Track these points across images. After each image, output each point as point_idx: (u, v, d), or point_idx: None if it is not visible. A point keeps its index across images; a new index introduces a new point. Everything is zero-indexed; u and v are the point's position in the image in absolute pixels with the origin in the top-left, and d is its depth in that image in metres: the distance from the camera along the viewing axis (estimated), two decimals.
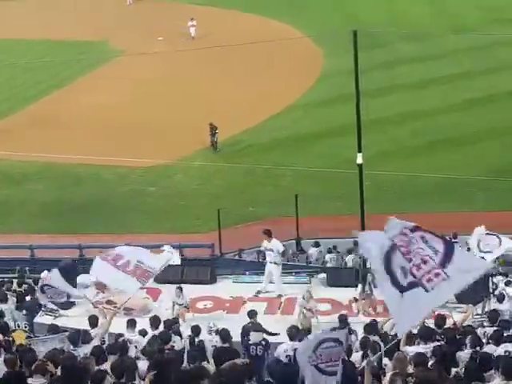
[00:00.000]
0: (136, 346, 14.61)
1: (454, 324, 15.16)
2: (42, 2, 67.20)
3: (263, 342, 15.47)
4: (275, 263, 22.34)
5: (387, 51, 49.70)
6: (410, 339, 12.79)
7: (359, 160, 24.70)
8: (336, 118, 39.52)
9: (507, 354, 11.97)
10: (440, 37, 51.54)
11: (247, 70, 49.41)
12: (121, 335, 15.62)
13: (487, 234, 21.15)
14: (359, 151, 24.70)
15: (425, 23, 55.11)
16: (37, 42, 57.69)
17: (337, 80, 44.03)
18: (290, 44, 51.86)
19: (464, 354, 12.09)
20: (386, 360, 12.32)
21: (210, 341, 15.18)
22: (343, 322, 16.53)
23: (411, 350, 12.37)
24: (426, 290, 9.30)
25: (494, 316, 15.18)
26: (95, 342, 14.28)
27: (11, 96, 48.32)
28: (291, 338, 13.80)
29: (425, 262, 9.52)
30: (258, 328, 15.91)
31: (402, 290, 9.38)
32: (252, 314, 16.33)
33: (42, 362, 10.64)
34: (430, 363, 11.09)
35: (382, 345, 13.18)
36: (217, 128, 38.42)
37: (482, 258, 21.83)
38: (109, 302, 21.36)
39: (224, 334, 14.70)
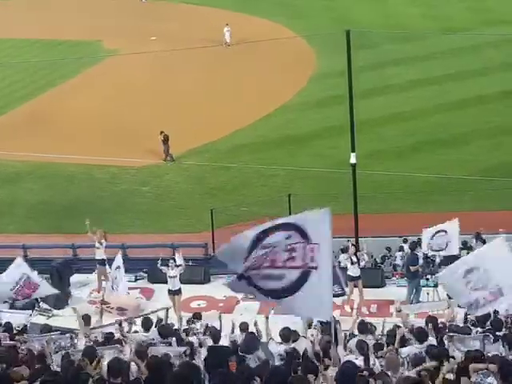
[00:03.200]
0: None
1: (442, 323, 15.27)
2: (34, 1, 67.08)
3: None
4: None
5: (377, 52, 49.80)
6: (405, 340, 12.87)
7: (353, 160, 24.76)
8: (328, 118, 39.66)
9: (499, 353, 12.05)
10: (430, 38, 51.70)
11: (240, 69, 49.44)
12: (112, 334, 15.62)
13: (438, 232, 21.88)
14: (352, 151, 24.76)
15: (415, 24, 55.23)
16: (29, 42, 57.56)
17: (329, 80, 44.14)
18: (283, 44, 51.95)
19: (458, 353, 12.16)
20: (373, 359, 12.41)
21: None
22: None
23: (405, 350, 12.45)
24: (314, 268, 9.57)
25: (482, 319, 15.22)
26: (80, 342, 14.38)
27: (3, 96, 48.18)
28: (285, 340, 13.80)
29: (293, 250, 9.73)
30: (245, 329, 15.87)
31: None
32: (244, 326, 16.24)
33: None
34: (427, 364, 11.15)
35: (369, 344, 13.25)
36: (168, 137, 37.70)
37: (433, 255, 22.78)
38: (103, 302, 21.42)
39: (214, 334, 14.77)
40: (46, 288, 17.17)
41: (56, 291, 17.37)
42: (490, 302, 13.81)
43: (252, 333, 14.58)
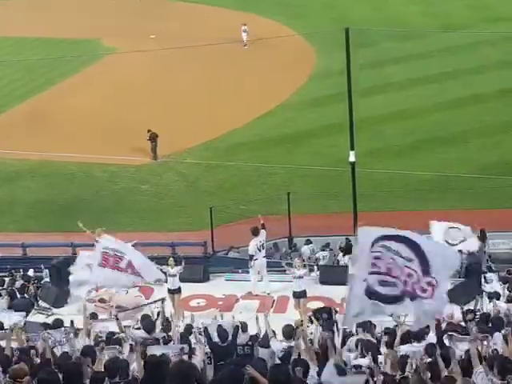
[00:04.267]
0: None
1: (438, 321, 15.29)
2: (34, 0, 67.06)
3: (250, 343, 15.55)
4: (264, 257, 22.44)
5: (377, 50, 49.76)
6: (405, 339, 12.88)
7: (352, 158, 24.77)
8: (328, 116, 39.65)
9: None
10: (429, 36, 51.69)
11: (239, 68, 49.42)
12: (113, 333, 15.65)
13: (451, 228, 21.63)
14: (352, 149, 24.77)
15: (415, 22, 55.18)
16: (29, 40, 57.52)
17: (329, 79, 44.11)
18: (282, 42, 51.94)
19: (458, 352, 12.16)
20: (381, 358, 12.42)
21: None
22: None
23: (403, 349, 12.46)
24: (424, 298, 9.60)
25: (484, 318, 15.25)
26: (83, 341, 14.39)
27: (3, 95, 48.16)
28: (287, 337, 13.82)
29: (409, 275, 9.74)
30: (245, 329, 15.92)
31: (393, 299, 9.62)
32: (244, 327, 16.26)
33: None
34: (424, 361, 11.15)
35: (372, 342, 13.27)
36: (157, 136, 37.65)
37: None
38: (101, 301, 21.41)
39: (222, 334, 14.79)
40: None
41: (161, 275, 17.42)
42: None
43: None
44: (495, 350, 12.02)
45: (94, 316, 17.38)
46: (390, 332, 14.57)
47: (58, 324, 16.00)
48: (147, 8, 63.55)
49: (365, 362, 12.13)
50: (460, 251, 22.42)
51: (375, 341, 14.11)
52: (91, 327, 15.86)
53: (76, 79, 50.11)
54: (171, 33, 54.58)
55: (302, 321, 17.37)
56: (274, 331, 14.75)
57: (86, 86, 47.83)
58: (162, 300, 18.53)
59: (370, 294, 9.90)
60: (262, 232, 22.33)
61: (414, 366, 10.97)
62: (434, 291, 9.76)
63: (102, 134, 40.04)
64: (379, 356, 12.50)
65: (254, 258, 22.26)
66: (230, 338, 14.02)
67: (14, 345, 13.67)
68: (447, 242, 21.91)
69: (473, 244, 21.76)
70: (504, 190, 31.50)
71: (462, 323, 15.20)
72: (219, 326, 14.64)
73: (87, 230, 23.51)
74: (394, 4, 60.60)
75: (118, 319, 16.33)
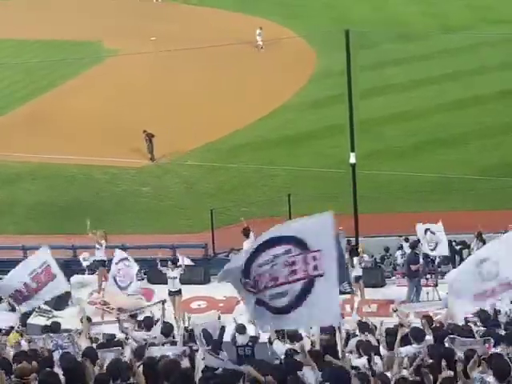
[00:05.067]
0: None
1: (440, 322, 15.27)
2: (34, 1, 67.06)
3: (250, 343, 15.56)
4: None
5: (377, 52, 49.75)
6: (405, 340, 12.86)
7: (352, 159, 24.78)
8: (328, 117, 39.63)
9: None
10: (430, 37, 51.68)
11: (240, 70, 49.42)
12: (113, 335, 15.66)
13: (427, 230, 22.03)
14: (352, 151, 24.76)
15: (415, 22, 55.23)
16: (29, 42, 57.55)
17: (329, 80, 44.12)
18: (283, 44, 52.01)
19: (458, 353, 12.14)
20: (377, 359, 12.41)
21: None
22: None
23: (403, 350, 12.45)
24: (320, 276, 9.43)
25: (484, 316, 15.26)
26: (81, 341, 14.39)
27: (3, 96, 48.19)
28: (291, 339, 13.84)
29: (293, 264, 9.52)
30: (243, 330, 15.93)
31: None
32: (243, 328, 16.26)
33: None
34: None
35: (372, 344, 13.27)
36: (153, 136, 37.54)
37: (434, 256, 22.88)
38: (103, 303, 21.44)
39: (206, 335, 14.86)
40: (60, 280, 16.94)
41: (67, 288, 17.18)
42: (499, 294, 13.80)
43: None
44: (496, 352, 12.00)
45: (88, 319, 17.21)
46: (391, 333, 14.56)
47: (56, 327, 16.00)
48: (147, 10, 63.58)
49: (361, 362, 12.14)
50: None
51: (376, 342, 14.09)
52: (90, 330, 15.85)
53: (77, 81, 50.11)
54: (171, 34, 54.57)
55: None
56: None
57: (87, 88, 47.84)
58: (163, 302, 18.52)
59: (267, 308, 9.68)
60: (251, 235, 22.37)
61: (414, 367, 10.95)
62: (323, 260, 9.46)
63: (102, 136, 40.06)
64: (376, 356, 12.49)
65: None
66: (216, 338, 14.10)
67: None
68: (428, 246, 22.46)
69: (443, 249, 22.13)
70: (505, 192, 31.49)
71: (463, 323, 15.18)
72: (204, 329, 14.75)
73: (89, 232, 23.55)
74: (394, 4, 60.63)
75: (119, 321, 16.33)
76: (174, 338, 15.28)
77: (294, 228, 9.73)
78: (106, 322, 17.41)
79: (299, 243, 9.53)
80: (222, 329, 14.79)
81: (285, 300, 9.73)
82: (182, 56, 49.28)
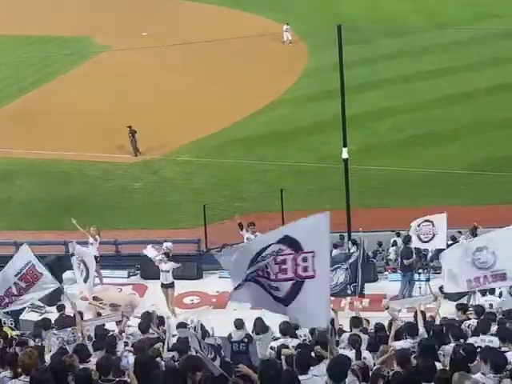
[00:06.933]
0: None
1: (431, 317, 15.32)
2: None
3: (245, 340, 15.60)
4: None
5: (369, 47, 49.80)
6: (399, 334, 12.91)
7: (345, 154, 24.82)
8: (321, 112, 39.69)
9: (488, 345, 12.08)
10: (421, 32, 51.75)
11: (231, 65, 49.39)
12: (107, 330, 15.62)
13: (424, 222, 21.78)
14: (344, 146, 24.80)
15: (406, 18, 55.29)
16: (20, 39, 57.37)
17: (321, 75, 44.17)
18: (275, 39, 52.02)
19: (448, 347, 12.20)
20: (366, 353, 12.44)
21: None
22: None
23: (398, 344, 12.50)
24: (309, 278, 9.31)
25: (479, 310, 15.33)
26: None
27: None
28: (284, 334, 13.86)
29: (283, 262, 9.39)
30: (240, 327, 15.97)
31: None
32: (239, 323, 16.28)
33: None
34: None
35: (363, 338, 13.30)
36: (136, 132, 37.71)
37: (425, 248, 22.73)
38: (95, 299, 21.41)
39: (203, 332, 14.88)
40: (48, 279, 16.90)
41: (56, 285, 17.09)
42: (490, 283, 13.87)
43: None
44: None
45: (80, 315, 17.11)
46: (380, 327, 14.61)
47: (46, 324, 16.01)
48: (139, 5, 63.42)
49: (352, 356, 12.17)
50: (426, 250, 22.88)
51: (367, 336, 14.11)
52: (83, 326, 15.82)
53: (67, 77, 50.03)
54: (163, 30, 54.55)
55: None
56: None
57: (78, 84, 47.75)
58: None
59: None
60: (244, 230, 22.43)
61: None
62: (315, 262, 9.24)
63: (93, 132, 39.98)
64: (366, 351, 12.52)
65: None
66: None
67: None
68: (419, 239, 22.14)
69: (440, 241, 21.89)
70: (496, 186, 31.60)
71: (457, 318, 15.24)
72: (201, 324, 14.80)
73: (80, 227, 23.53)
74: (386, 0, 60.62)
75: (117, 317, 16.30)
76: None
77: (289, 227, 9.58)
78: (98, 319, 17.29)
79: (291, 242, 9.39)
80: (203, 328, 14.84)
81: (277, 294, 9.70)
82: (173, 52, 49.25)
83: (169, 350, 13.18)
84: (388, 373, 10.29)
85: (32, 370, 9.74)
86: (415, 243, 22.65)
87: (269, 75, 47.12)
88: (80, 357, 11.34)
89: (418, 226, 22.22)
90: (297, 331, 14.42)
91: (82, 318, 15.86)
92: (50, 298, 21.84)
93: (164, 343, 13.80)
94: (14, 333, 15.47)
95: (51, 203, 34.16)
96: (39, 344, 14.51)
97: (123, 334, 15.34)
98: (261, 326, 15.64)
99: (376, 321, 15.51)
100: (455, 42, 49.52)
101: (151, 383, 9.77)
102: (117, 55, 50.35)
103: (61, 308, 17.96)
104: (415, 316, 14.14)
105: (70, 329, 15.09)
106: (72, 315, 16.08)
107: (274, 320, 14.03)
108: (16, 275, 15.98)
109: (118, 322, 16.51)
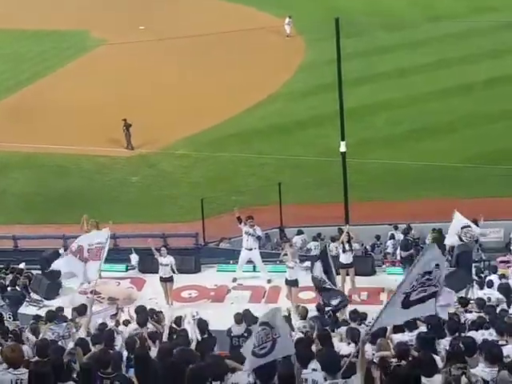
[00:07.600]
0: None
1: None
2: None
3: (245, 334, 15.63)
4: (255, 248, 22.47)
5: (365, 40, 49.66)
6: (398, 327, 12.94)
7: (342, 148, 24.81)
8: (318, 106, 39.68)
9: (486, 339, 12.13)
10: (418, 25, 51.68)
11: (229, 59, 49.29)
12: (105, 325, 15.65)
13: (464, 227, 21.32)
14: (342, 139, 24.80)
15: (403, 12, 55.19)
16: (16, 32, 57.18)
17: (318, 69, 44.10)
18: (271, 33, 51.94)
19: (445, 341, 12.24)
20: (367, 346, 12.46)
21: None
22: (320, 311, 16.91)
23: (397, 337, 12.54)
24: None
25: (481, 303, 15.39)
26: (82, 333, 14.39)
27: None
28: (303, 317, 14.03)
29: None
30: (240, 321, 16.00)
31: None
32: (238, 318, 16.31)
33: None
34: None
35: (362, 331, 13.33)
36: (130, 125, 37.56)
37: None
38: (93, 292, 21.38)
39: (202, 326, 14.91)
40: (97, 266, 16.62)
41: (95, 278, 16.86)
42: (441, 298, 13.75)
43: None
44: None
45: (82, 309, 17.13)
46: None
47: (50, 316, 16.02)
48: None
49: (349, 350, 12.22)
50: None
51: (366, 330, 14.14)
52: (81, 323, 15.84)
53: (64, 71, 49.90)
54: (160, 24, 54.44)
55: (289, 311, 17.49)
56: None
57: (75, 78, 47.64)
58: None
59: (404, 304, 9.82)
60: (243, 224, 22.43)
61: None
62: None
63: (91, 126, 39.90)
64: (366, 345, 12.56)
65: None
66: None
67: None
68: (460, 239, 21.45)
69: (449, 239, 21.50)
70: (492, 179, 31.66)
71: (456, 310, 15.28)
72: (199, 318, 14.86)
73: (86, 225, 23.48)
74: None
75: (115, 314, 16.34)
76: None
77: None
78: (94, 312, 17.28)
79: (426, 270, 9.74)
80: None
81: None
82: (170, 46, 49.18)
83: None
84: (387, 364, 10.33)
85: (19, 363, 9.62)
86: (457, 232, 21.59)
87: (266, 69, 47.03)
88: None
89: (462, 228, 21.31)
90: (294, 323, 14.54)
91: (85, 312, 15.96)
92: (47, 292, 21.96)
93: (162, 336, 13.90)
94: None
95: (47, 196, 34.14)
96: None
97: (119, 326, 15.40)
98: (251, 318, 15.68)
99: (374, 314, 15.54)
100: (452, 35, 49.42)
101: (149, 377, 9.83)
102: (113, 49, 50.25)
103: (60, 309, 17.87)
104: None
105: (65, 324, 15.11)
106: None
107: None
108: (90, 244, 15.99)
109: (113, 316, 16.61)
